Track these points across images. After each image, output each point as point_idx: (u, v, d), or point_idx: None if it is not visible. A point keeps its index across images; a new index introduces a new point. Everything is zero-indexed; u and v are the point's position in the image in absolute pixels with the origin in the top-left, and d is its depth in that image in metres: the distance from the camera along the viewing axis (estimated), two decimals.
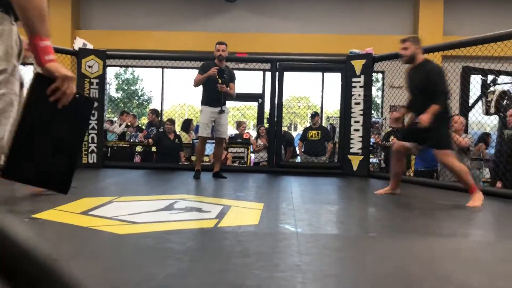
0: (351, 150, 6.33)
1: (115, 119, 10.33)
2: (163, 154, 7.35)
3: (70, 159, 1.53)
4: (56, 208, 3.15)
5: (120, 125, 8.38)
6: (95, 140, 6.52)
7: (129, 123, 8.42)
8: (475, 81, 6.32)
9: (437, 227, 3.04)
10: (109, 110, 10.83)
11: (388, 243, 2.53)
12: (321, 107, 9.41)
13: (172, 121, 7.67)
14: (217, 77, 5.31)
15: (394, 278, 1.85)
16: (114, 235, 2.48)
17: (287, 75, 6.71)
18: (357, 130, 6.32)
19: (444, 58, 8.34)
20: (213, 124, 5.54)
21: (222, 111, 5.42)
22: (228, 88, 5.42)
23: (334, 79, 8.69)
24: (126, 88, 12.97)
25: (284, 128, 8.78)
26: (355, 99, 6.34)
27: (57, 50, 6.75)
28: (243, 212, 3.32)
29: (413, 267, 2.04)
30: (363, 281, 1.83)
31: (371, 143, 6.73)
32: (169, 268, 1.88)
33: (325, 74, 9.81)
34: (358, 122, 6.32)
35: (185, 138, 8.05)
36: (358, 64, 6.32)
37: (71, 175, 1.56)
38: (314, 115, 7.68)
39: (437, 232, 2.88)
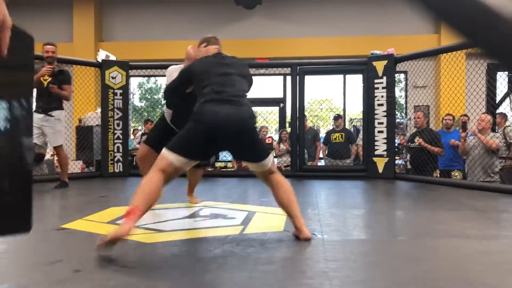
0: (376, 152, 6.26)
1: (139, 127, 10.49)
2: None
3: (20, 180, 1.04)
4: (84, 218, 3.21)
5: (143, 134, 8.51)
6: (121, 149, 6.63)
7: (146, 130, 8.53)
8: (501, 78, 6.17)
9: (466, 228, 2.97)
10: (133, 119, 11.01)
11: (417, 247, 2.48)
12: (344, 110, 9.34)
13: None
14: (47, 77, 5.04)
15: (423, 283, 1.81)
16: (140, 244, 2.51)
17: (308, 78, 6.69)
18: (381, 131, 6.24)
19: (468, 56, 8.18)
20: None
21: (48, 116, 5.09)
22: (60, 90, 5.13)
23: (356, 81, 8.63)
24: (149, 97, 13.15)
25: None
26: (378, 100, 6.27)
27: (82, 63, 6.92)
28: (268, 218, 3.31)
29: (442, 270, 2.00)
30: (391, 286, 1.80)
31: (396, 145, 6.63)
32: (195, 276, 1.89)
33: (347, 76, 9.75)
34: (382, 123, 6.25)
35: None
36: (380, 65, 6.25)
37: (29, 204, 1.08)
38: (337, 118, 7.62)
39: (466, 234, 2.81)
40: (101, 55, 6.78)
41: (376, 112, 6.29)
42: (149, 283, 1.83)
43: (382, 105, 6.25)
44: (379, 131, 6.26)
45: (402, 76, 10.20)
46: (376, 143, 6.27)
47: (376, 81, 6.29)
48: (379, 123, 6.27)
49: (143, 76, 10.72)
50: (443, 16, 0.67)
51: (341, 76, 9.75)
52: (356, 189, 5.37)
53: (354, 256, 2.28)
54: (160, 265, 2.10)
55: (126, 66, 6.73)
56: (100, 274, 1.98)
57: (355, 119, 9.41)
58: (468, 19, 0.65)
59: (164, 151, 2.50)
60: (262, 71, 9.26)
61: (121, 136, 6.64)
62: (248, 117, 2.55)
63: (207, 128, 2.46)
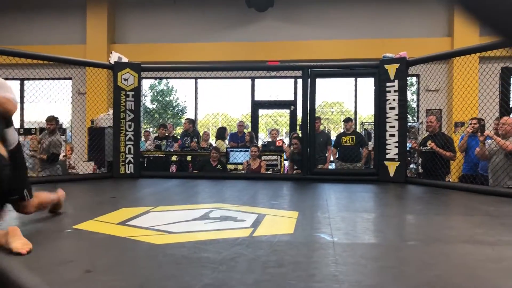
0: (387, 156, 6.21)
1: (150, 129, 10.56)
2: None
3: None
4: (96, 219, 3.24)
5: (156, 138, 8.58)
6: (132, 151, 6.67)
7: (160, 134, 8.59)
8: None
9: (478, 234, 2.93)
10: (145, 121, 11.07)
11: (428, 252, 2.45)
12: (355, 113, 9.30)
13: (217, 149, 7.56)
14: None
15: None
16: (151, 245, 2.52)
17: (319, 81, 6.67)
18: (393, 135, 6.20)
19: (482, 59, 8.10)
20: None
21: None
22: None
23: (367, 84, 8.59)
24: (161, 99, 13.23)
25: None
26: (390, 103, 6.23)
27: (94, 64, 6.99)
28: (277, 220, 3.30)
29: (453, 276, 1.98)
30: None
31: (408, 148, 6.58)
32: (205, 278, 1.89)
33: (358, 79, 9.71)
34: (393, 127, 6.21)
35: (223, 146, 8.10)
36: (391, 69, 6.22)
37: None
38: (348, 120, 7.58)
39: (479, 239, 2.77)
40: (114, 57, 6.84)
41: (387, 115, 6.25)
42: (159, 284, 1.84)
43: (393, 108, 6.21)
44: (390, 135, 6.22)
45: (414, 79, 10.13)
46: (387, 146, 6.23)
47: (388, 84, 6.25)
48: (390, 127, 6.23)
49: (155, 78, 10.77)
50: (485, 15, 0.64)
51: (353, 79, 9.72)
52: (367, 193, 5.34)
53: (364, 260, 2.27)
54: (170, 267, 2.11)
55: (138, 68, 6.78)
56: (111, 275, 1.99)
57: (367, 122, 9.37)
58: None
59: None
60: (273, 73, 9.27)
61: (132, 138, 6.68)
62: None
63: None
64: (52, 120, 6.84)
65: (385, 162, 6.23)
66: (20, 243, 2.29)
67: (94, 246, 2.55)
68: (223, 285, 1.82)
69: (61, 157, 7.15)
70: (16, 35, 10.35)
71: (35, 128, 7.27)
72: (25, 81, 9.72)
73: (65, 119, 9.25)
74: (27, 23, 10.47)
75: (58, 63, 6.84)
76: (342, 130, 7.82)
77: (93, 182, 6.07)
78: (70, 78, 9.99)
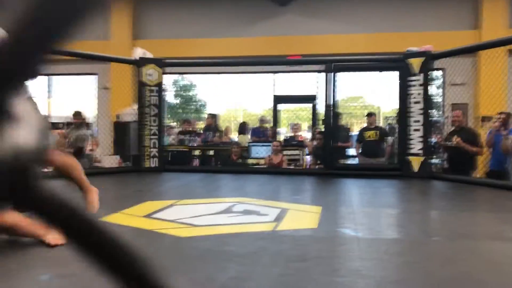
0: (411, 151, 6.13)
1: (173, 124, 10.68)
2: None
3: None
4: (122, 211, 3.31)
5: (180, 132, 8.69)
6: (156, 145, 6.76)
7: (184, 129, 8.69)
8: None
9: (504, 231, 2.89)
10: (168, 116, 11.19)
11: (453, 248, 2.43)
12: (378, 107, 9.20)
13: (238, 144, 7.63)
14: None
15: (459, 284, 1.78)
16: (176, 238, 2.57)
17: (341, 75, 6.62)
18: (417, 130, 6.12)
19: (511, 52, 7.89)
20: None
21: None
22: None
23: (391, 78, 8.47)
24: (183, 94, 13.33)
25: None
26: (414, 98, 6.14)
27: (119, 60, 7.10)
28: (300, 215, 3.31)
29: (479, 272, 1.96)
30: (426, 287, 1.78)
31: (432, 143, 6.48)
32: (230, 271, 1.92)
33: (382, 73, 9.58)
34: (418, 121, 6.12)
35: (244, 141, 8.14)
36: (416, 62, 6.12)
37: None
38: (370, 115, 7.49)
39: (505, 236, 2.73)
40: (138, 53, 6.93)
41: (412, 110, 6.16)
42: (184, 276, 1.88)
43: (418, 102, 6.12)
44: (415, 129, 6.14)
45: (439, 73, 9.94)
46: (411, 141, 6.14)
47: (412, 78, 6.16)
48: (415, 121, 6.14)
49: (178, 73, 10.86)
50: None
51: (376, 73, 9.59)
52: (391, 188, 5.30)
53: (388, 256, 2.26)
54: (195, 259, 2.14)
55: (161, 64, 6.85)
56: None
57: (390, 117, 9.25)
58: None
59: None
60: (295, 68, 9.23)
61: (156, 132, 6.78)
62: None
63: None
64: (78, 114, 6.99)
65: (409, 157, 6.15)
66: (53, 236, 2.36)
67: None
68: (248, 279, 1.84)
69: (87, 151, 7.30)
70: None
71: (62, 123, 7.44)
72: (52, 77, 9.94)
73: (90, 114, 9.43)
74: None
75: (84, 58, 6.96)
76: (365, 125, 7.75)
77: (118, 176, 6.18)
78: (95, 74, 10.17)
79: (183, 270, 1.97)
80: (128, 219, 3.07)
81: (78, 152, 6.97)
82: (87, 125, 7.72)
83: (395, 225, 3.21)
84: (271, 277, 1.86)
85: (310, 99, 9.82)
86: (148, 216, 3.17)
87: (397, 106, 6.53)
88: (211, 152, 8.09)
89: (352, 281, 1.81)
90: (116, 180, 5.67)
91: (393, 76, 6.78)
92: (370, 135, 7.21)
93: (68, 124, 7.28)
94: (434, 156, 6.75)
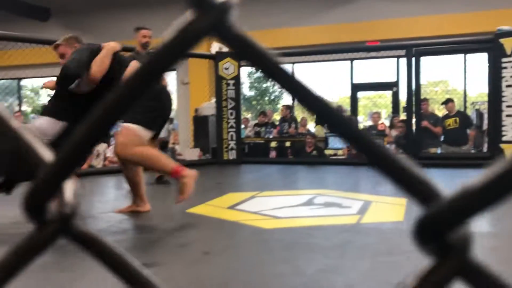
0: (504, 138, 5.70)
1: (248, 115, 10.84)
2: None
3: None
4: (207, 203, 3.42)
5: (256, 124, 8.79)
6: (234, 138, 6.91)
7: (259, 122, 8.78)
8: None
9: None
10: (244, 108, 11.38)
11: None
12: (464, 92, 8.66)
13: (313, 135, 7.58)
14: None
15: None
16: (260, 229, 2.61)
17: (424, 59, 6.30)
18: (510, 115, 5.67)
19: None
20: None
21: None
22: None
23: (478, 61, 7.93)
24: (258, 86, 13.47)
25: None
26: (507, 81, 5.69)
27: (197, 55, 7.31)
28: (385, 207, 3.22)
29: None
30: None
31: None
32: (316, 263, 1.91)
33: (468, 55, 8.98)
34: (511, 106, 5.67)
35: (322, 132, 8.05)
36: (508, 43, 5.65)
37: None
38: (447, 102, 7.04)
39: None
40: (215, 47, 7.10)
41: (504, 94, 5.72)
42: (273, 268, 1.90)
43: (511, 86, 5.67)
44: (507, 115, 5.69)
45: None
46: (503, 128, 5.71)
47: (503, 60, 5.70)
48: (507, 106, 5.69)
49: (253, 65, 10.96)
50: None
51: (461, 56, 9.01)
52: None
53: (482, 250, 2.12)
54: (281, 251, 2.17)
55: (238, 57, 6.96)
56: (226, 257, 2.10)
57: (478, 102, 8.65)
58: None
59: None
60: (373, 54, 8.94)
61: (234, 125, 6.92)
62: None
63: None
64: None
65: (501, 145, 5.73)
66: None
67: (208, 229, 2.70)
68: (336, 271, 1.83)
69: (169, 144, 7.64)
70: (115, 30, 11.11)
71: None
72: None
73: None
74: (126, 19, 11.18)
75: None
76: (446, 112, 7.32)
77: (199, 168, 6.38)
78: (174, 69, 10.57)
79: (269, 261, 2.00)
80: (213, 210, 3.17)
81: (163, 146, 7.32)
82: (169, 120, 8.05)
83: (489, 218, 3.01)
84: (360, 271, 1.82)
85: (390, 85, 9.48)
86: (232, 207, 3.25)
87: (486, 91, 6.10)
88: (288, 144, 8.10)
89: None
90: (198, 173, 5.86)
91: (481, 58, 6.36)
92: (450, 123, 6.80)
93: None
94: None
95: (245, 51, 0.29)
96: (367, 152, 0.28)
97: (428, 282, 0.26)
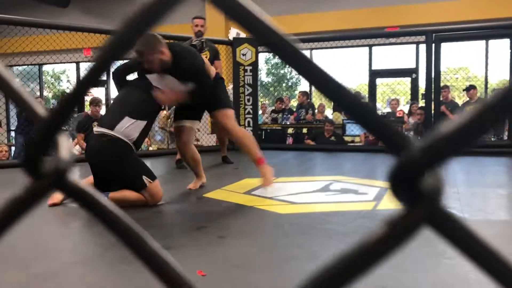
0: None
1: (266, 102, 10.82)
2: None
3: None
4: (223, 188, 3.47)
5: (273, 111, 8.80)
6: (251, 124, 6.93)
7: (276, 108, 8.77)
8: None
9: None
10: (261, 94, 11.36)
11: None
12: (486, 79, 8.49)
13: (331, 122, 7.53)
14: None
15: None
16: (276, 214, 2.64)
17: (444, 46, 6.18)
18: None
19: None
20: None
21: None
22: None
23: (499, 47, 7.75)
24: (275, 72, 13.42)
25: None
26: None
27: (214, 41, 7.30)
28: None
29: None
30: None
31: None
32: (332, 248, 1.94)
33: (490, 41, 8.79)
34: None
35: (339, 118, 8.02)
36: None
37: None
38: (469, 89, 6.92)
39: None
40: (232, 33, 7.08)
41: None
42: (288, 252, 1.93)
43: None
44: None
45: None
46: None
47: None
48: None
49: (270, 51, 10.91)
50: None
51: (482, 42, 8.82)
52: (501, 167, 4.91)
53: (499, 239, 2.12)
54: (296, 236, 2.19)
55: (255, 43, 6.94)
56: (241, 240, 2.14)
57: (500, 88, 8.47)
58: None
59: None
60: (392, 40, 8.82)
61: (251, 111, 6.93)
62: None
63: None
64: None
65: None
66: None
67: (224, 214, 2.74)
68: None
69: None
70: None
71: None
72: None
73: None
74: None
75: (182, 41, 7.27)
76: (467, 99, 7.21)
77: (216, 154, 6.45)
78: None
79: (284, 245, 2.03)
80: (229, 195, 3.21)
81: None
82: None
83: (507, 206, 2.99)
84: None
85: (409, 72, 9.36)
86: (248, 192, 3.29)
87: (508, 78, 5.98)
88: (305, 130, 8.10)
89: (460, 263, 1.73)
90: (214, 158, 5.91)
91: (503, 45, 6.22)
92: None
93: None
94: None
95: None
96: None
97: (396, 228, 0.27)
